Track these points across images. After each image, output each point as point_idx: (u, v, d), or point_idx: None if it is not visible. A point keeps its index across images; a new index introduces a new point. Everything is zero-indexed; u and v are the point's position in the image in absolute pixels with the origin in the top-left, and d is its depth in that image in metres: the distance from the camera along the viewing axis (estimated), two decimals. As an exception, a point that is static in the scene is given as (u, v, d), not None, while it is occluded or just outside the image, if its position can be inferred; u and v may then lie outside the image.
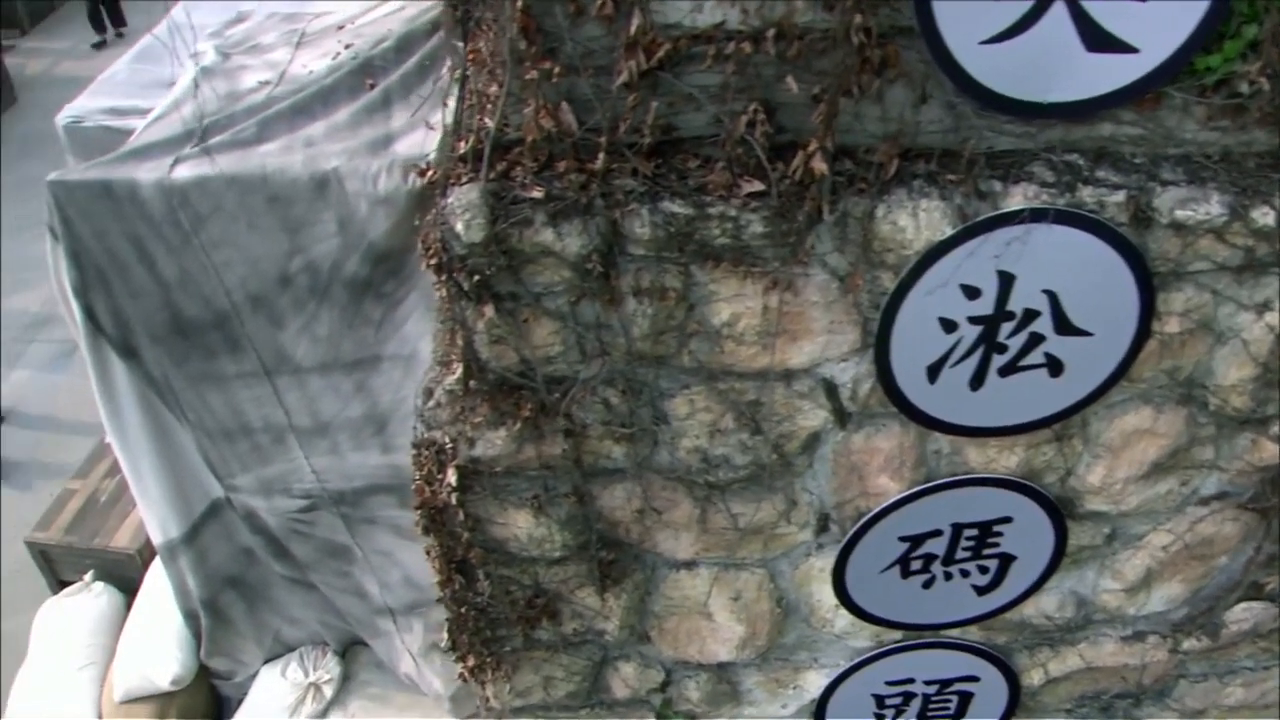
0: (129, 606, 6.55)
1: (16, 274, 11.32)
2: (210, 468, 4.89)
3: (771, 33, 2.57)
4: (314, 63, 4.63)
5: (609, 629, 3.76)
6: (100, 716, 6.00)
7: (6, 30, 15.88)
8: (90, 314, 4.42)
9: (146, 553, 6.54)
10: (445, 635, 5.08)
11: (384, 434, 4.58)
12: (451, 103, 3.06)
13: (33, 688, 6.14)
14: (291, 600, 5.47)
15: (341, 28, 4.89)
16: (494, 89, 2.75)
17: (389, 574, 5.07)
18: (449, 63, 3.57)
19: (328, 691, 5.56)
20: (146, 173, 4.08)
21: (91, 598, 6.51)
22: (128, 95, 5.23)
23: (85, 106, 5.23)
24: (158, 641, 5.76)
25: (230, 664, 5.82)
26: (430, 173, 2.87)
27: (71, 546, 6.65)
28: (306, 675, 5.56)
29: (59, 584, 6.91)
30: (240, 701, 5.98)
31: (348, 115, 4.23)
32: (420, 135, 4.07)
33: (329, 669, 5.59)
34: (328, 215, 4.00)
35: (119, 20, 15.52)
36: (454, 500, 3.28)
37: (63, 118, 5.18)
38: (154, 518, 5.11)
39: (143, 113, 4.84)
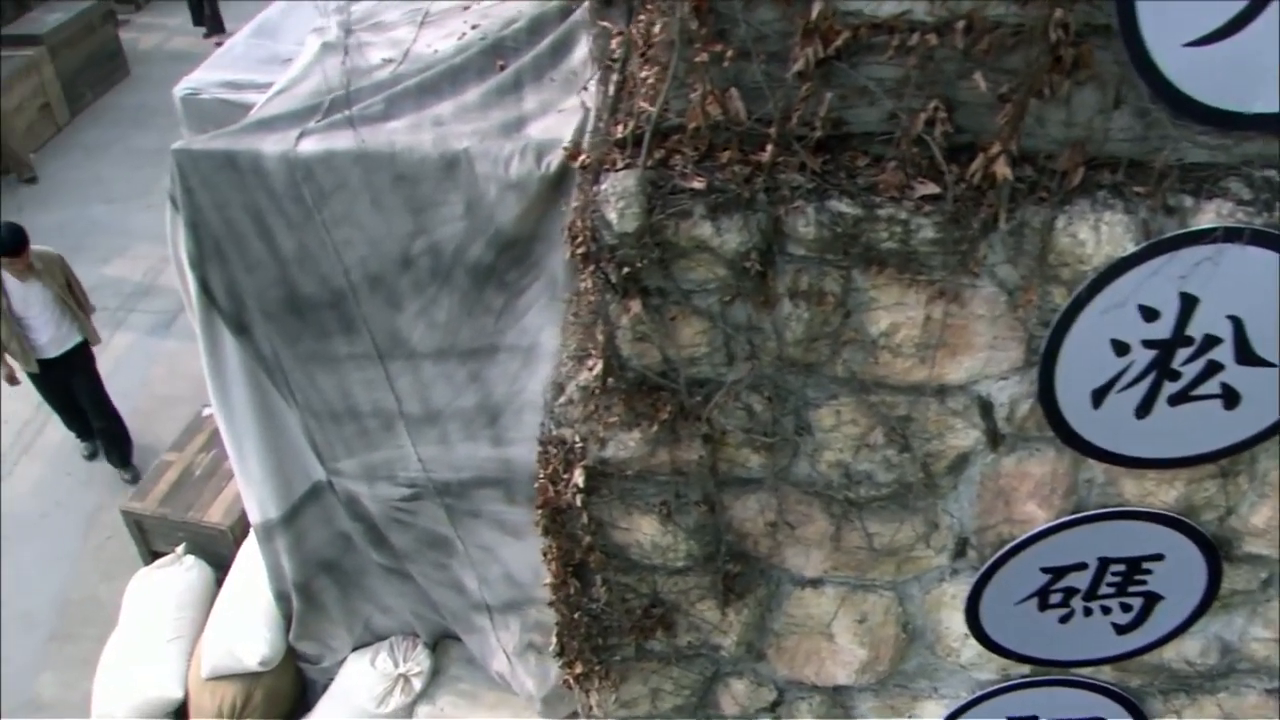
0: (219, 582, 6.58)
1: (121, 242, 11.54)
2: (314, 450, 4.83)
3: (960, 25, 2.41)
4: (438, 42, 4.54)
5: (725, 644, 3.62)
6: (186, 690, 5.96)
7: (121, 5, 16.14)
8: (205, 287, 4.37)
9: (238, 529, 6.54)
10: (552, 638, 5.01)
11: (496, 426, 4.47)
12: (593, 86, 2.94)
13: (121, 657, 6.16)
14: (386, 589, 5.40)
15: (467, 8, 4.79)
16: (652, 72, 2.62)
17: (489, 569, 4.97)
18: (592, 45, 3.45)
19: (417, 684, 5.49)
20: (271, 145, 4.02)
21: (182, 571, 6.51)
22: (245, 70, 5.22)
23: (202, 79, 5.22)
24: (247, 621, 5.73)
25: (318, 648, 5.77)
26: (582, 157, 2.73)
27: (165, 518, 6.67)
28: (396, 666, 5.49)
29: (151, 554, 6.95)
30: (325, 687, 5.94)
31: (478, 96, 4.13)
32: (554, 119, 3.96)
33: (419, 661, 5.52)
34: (455, 197, 3.90)
35: (218, 27, 15.49)
36: (578, 502, 3.16)
37: (180, 89, 5.17)
38: (253, 497, 5.06)
39: (259, 87, 4.82)
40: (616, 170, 2.61)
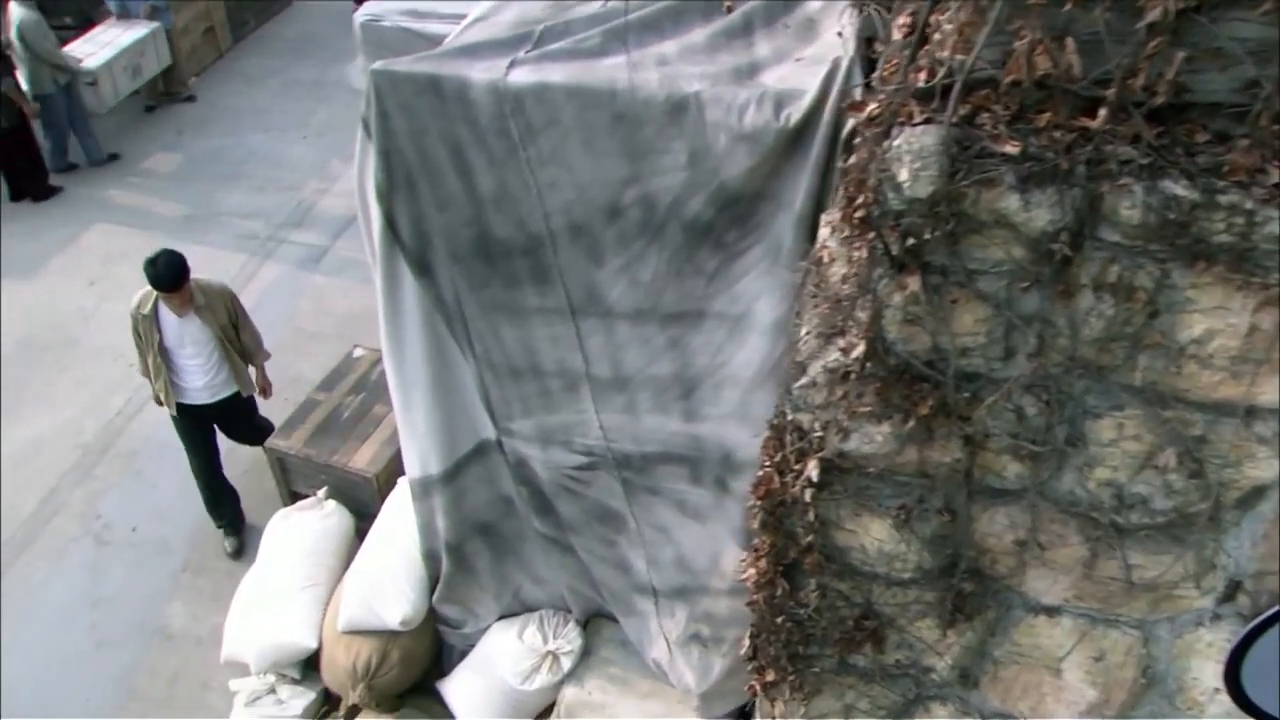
0: (358, 531, 6.48)
1: (276, 173, 11.65)
2: (487, 407, 4.63)
3: (1358, -20, 2.06)
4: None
5: (938, 667, 3.33)
6: (319, 640, 5.84)
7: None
8: (390, 221, 4.19)
9: (383, 478, 6.43)
10: (723, 632, 4.79)
11: (690, 399, 4.22)
12: (849, 31, 2.62)
13: (255, 599, 6.09)
14: (542, 559, 5.21)
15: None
16: (960, 16, 2.31)
17: (661, 551, 4.73)
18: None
19: (566, 664, 5.29)
20: (480, 72, 3.80)
21: (322, 516, 6.41)
22: (426, -2, 5.01)
23: (383, 6, 5.08)
24: (390, 577, 5.59)
25: (462, 614, 5.61)
26: (871, 107, 2.43)
27: (309, 459, 6.57)
28: (545, 642, 5.29)
29: (291, 495, 6.88)
30: (463, 654, 5.80)
31: (704, 37, 3.85)
32: (790, 69, 3.68)
33: (570, 639, 5.32)
34: (678, 145, 3.64)
35: None
36: (806, 497, 2.90)
37: (360, 16, 5.04)
38: (414, 449, 4.89)
39: (443, 17, 4.68)
40: (914, 125, 2.30)
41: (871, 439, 2.76)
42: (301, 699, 5.98)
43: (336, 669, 5.72)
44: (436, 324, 4.44)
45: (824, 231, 3.10)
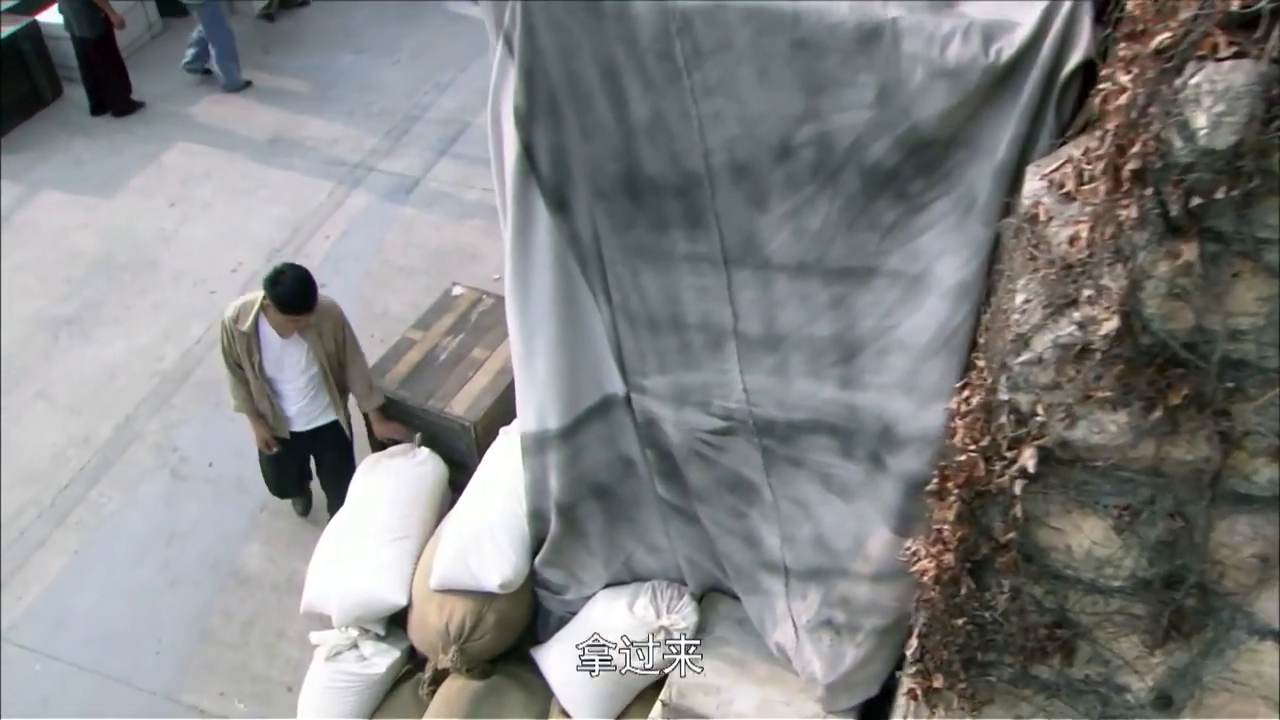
0: (452, 482, 6.31)
1: (366, 97, 11.53)
2: (618, 360, 4.39)
3: None
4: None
5: (1134, 687, 3.06)
6: (409, 598, 5.65)
7: None
8: (528, 149, 3.93)
9: (480, 427, 6.21)
10: (862, 620, 4.52)
11: (850, 364, 3.94)
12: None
13: (341, 548, 5.90)
14: (661, 528, 4.99)
15: None
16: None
17: (798, 528, 4.47)
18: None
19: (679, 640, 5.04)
20: None
21: (414, 464, 6.23)
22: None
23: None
24: (491, 536, 5.37)
25: (565, 578, 5.40)
26: (1160, 38, 2.11)
27: (403, 402, 6.37)
28: (658, 616, 5.06)
29: (377, 440, 6.64)
30: (561, 620, 5.59)
31: (898, -41, 3.52)
32: (992, 3, 3.33)
33: (685, 615, 5.08)
34: (866, 78, 3.34)
35: None
36: (1016, 489, 2.61)
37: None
38: (532, 401, 4.65)
39: None
40: (1219, 59, 1.98)
41: (1103, 428, 2.47)
42: (385, 656, 5.81)
43: (427, 629, 5.53)
44: (569, 265, 4.19)
45: (1035, 185, 2.81)
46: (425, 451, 6.30)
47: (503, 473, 5.55)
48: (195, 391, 8.23)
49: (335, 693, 5.81)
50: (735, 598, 5.13)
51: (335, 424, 6.58)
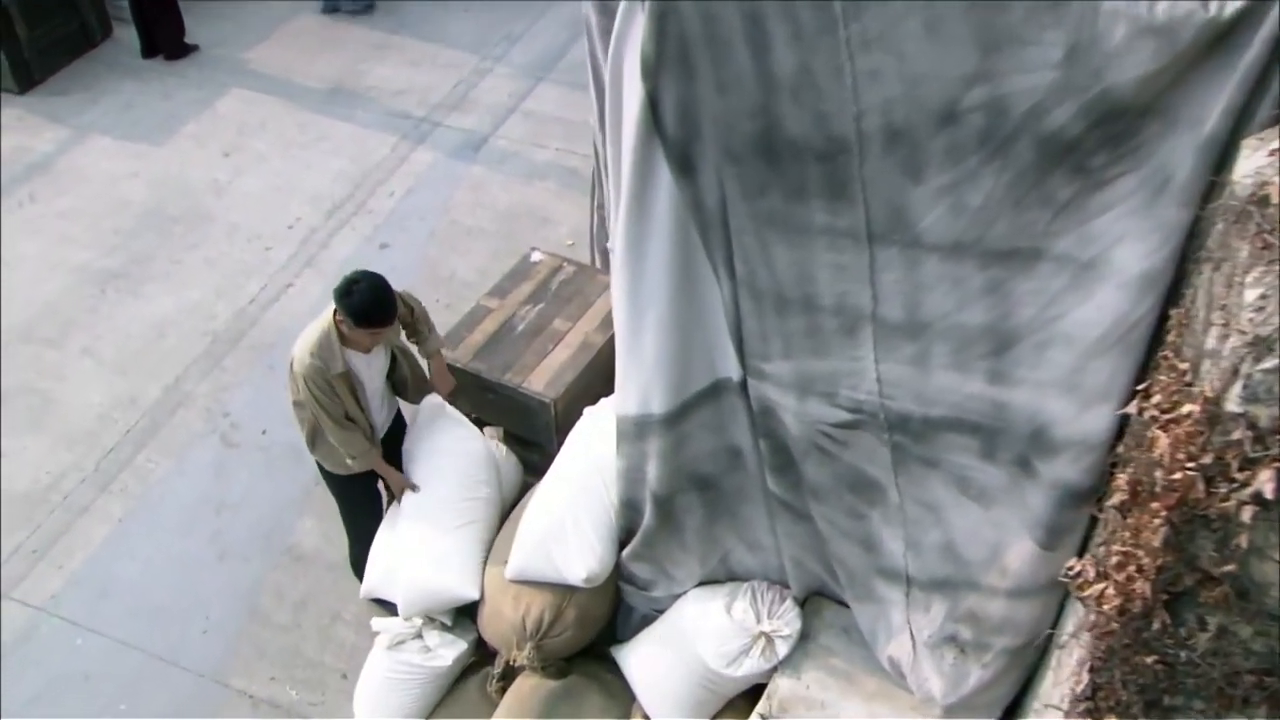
0: (525, 462, 6.18)
1: (432, 49, 11.28)
2: (737, 340, 4.15)
3: None
4: None
5: (1346, 745, 2.76)
6: (480, 589, 5.42)
7: None
8: (653, 103, 3.69)
9: (561, 405, 5.98)
10: (990, 638, 4.26)
11: (1002, 357, 3.68)
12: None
13: (404, 532, 5.65)
14: (767, 525, 4.77)
15: None
16: None
17: (925, 534, 4.22)
18: None
19: (781, 649, 4.82)
20: None
21: (486, 441, 5.95)
22: None
23: None
24: (575, 526, 5.14)
25: (655, 574, 5.17)
26: None
27: (479, 375, 6.11)
28: (758, 621, 4.82)
29: (447, 413, 6.44)
30: (645, 618, 5.38)
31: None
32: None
33: (789, 621, 4.85)
34: (1053, 36, 3.07)
35: None
36: (1245, 516, 2.33)
37: None
38: (636, 381, 4.41)
39: None
40: None
41: (1363, 450, 2.20)
42: (452, 648, 5.61)
43: (501, 623, 5.30)
44: (689, 234, 3.94)
45: (1259, 160, 2.53)
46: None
47: (589, 456, 5.32)
48: (248, 353, 8.05)
49: (396, 684, 5.64)
50: (842, 604, 4.91)
51: (399, 415, 6.15)
